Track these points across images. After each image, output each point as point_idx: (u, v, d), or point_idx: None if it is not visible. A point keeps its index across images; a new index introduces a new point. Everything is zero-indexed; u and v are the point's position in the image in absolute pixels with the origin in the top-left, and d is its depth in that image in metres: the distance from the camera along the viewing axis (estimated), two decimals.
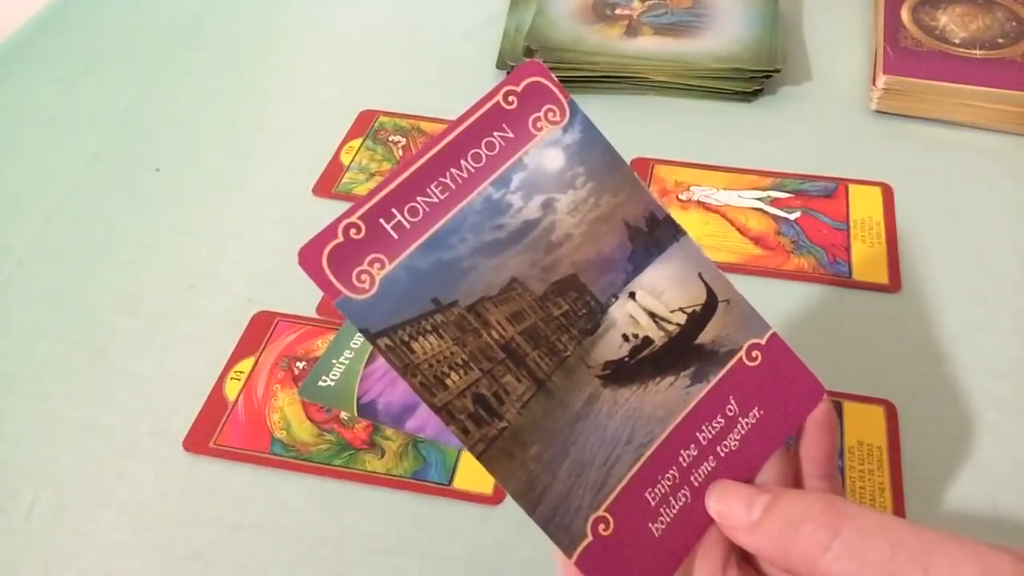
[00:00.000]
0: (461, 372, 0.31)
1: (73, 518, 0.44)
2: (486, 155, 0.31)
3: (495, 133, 0.32)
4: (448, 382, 0.31)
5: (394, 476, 0.45)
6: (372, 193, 0.30)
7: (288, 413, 0.48)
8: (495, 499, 0.44)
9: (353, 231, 0.30)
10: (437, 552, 0.43)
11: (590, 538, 0.31)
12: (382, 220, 0.30)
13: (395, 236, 0.30)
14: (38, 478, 0.46)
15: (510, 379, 0.31)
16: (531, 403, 0.31)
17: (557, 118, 0.32)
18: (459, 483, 0.45)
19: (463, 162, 0.31)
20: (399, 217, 0.30)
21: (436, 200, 0.31)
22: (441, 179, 0.31)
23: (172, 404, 0.48)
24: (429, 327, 0.30)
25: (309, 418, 0.48)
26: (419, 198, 0.31)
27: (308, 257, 0.29)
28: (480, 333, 0.31)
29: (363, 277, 0.30)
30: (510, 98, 0.32)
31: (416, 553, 0.43)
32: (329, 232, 0.30)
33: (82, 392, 0.49)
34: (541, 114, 0.32)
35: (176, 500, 0.45)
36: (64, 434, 0.47)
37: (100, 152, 0.64)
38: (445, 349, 0.30)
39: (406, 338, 0.30)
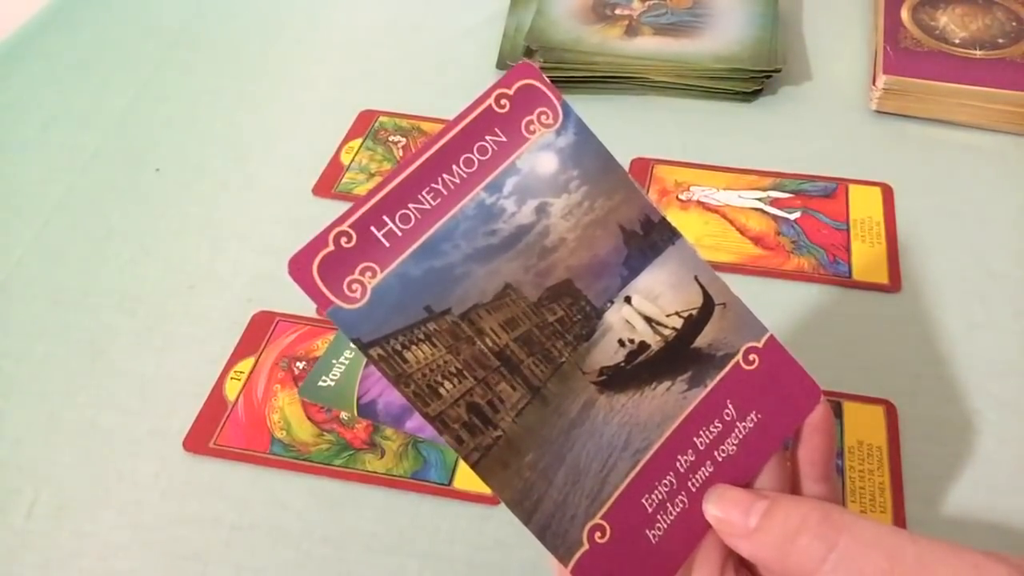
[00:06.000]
0: (455, 381, 0.30)
1: (73, 518, 0.44)
2: (478, 160, 0.31)
3: (487, 137, 0.31)
4: (442, 391, 0.30)
5: (394, 476, 0.45)
6: (363, 200, 0.30)
7: (288, 413, 0.48)
8: (495, 499, 0.44)
9: (344, 239, 0.29)
10: (437, 552, 0.43)
11: (586, 546, 0.31)
12: (373, 228, 0.30)
13: (387, 244, 0.30)
14: (38, 478, 0.46)
15: (504, 387, 0.31)
16: (526, 411, 0.31)
17: (550, 120, 0.32)
18: (459, 483, 0.45)
19: (455, 167, 0.31)
20: (390, 224, 0.30)
21: (428, 206, 0.30)
22: (433, 185, 0.30)
23: (172, 404, 0.49)
24: (422, 336, 0.30)
25: (309, 418, 0.48)
26: (411, 205, 0.30)
27: (298, 267, 0.29)
28: (474, 341, 0.30)
29: (354, 286, 0.29)
30: (502, 101, 0.31)
31: (416, 553, 0.43)
32: (319, 241, 0.29)
33: (82, 392, 0.49)
34: (534, 117, 0.32)
35: (176, 500, 0.45)
36: (64, 434, 0.48)
37: (100, 152, 0.64)
38: (438, 358, 0.30)
39: (399, 347, 0.29)
